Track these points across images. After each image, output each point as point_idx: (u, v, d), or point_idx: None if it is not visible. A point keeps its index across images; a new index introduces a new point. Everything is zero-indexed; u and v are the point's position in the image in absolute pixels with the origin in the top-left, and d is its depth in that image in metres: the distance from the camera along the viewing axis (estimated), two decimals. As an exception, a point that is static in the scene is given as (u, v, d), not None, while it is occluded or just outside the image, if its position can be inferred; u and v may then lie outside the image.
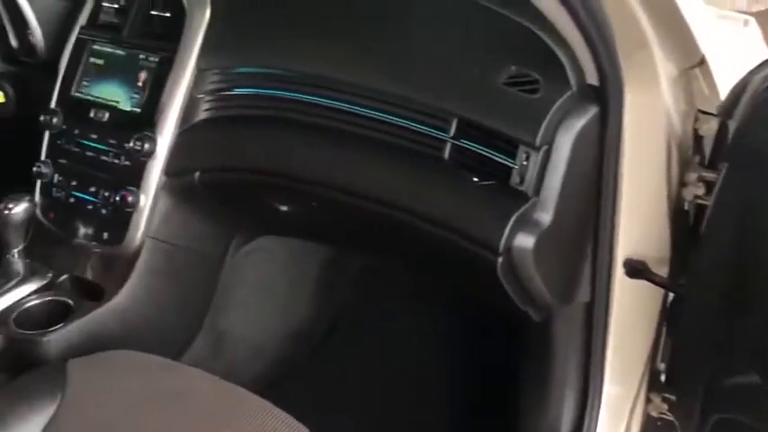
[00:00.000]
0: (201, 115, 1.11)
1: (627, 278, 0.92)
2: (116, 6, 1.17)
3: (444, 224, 0.91)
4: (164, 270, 1.16)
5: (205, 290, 1.26)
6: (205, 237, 1.22)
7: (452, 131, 0.92)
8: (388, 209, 0.96)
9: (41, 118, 1.16)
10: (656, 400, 1.05)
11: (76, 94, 1.16)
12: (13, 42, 1.29)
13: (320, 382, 1.44)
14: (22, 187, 1.19)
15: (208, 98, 1.11)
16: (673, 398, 1.03)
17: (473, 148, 0.90)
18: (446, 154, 0.92)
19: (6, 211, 1.07)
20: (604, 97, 0.83)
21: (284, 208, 1.14)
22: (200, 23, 1.10)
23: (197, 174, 1.09)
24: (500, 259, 0.86)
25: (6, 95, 1.26)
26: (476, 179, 0.90)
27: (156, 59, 1.11)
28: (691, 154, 0.96)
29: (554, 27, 0.83)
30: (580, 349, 0.97)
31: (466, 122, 0.91)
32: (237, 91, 1.10)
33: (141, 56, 1.12)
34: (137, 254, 1.12)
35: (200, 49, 1.10)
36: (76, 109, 1.15)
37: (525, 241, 0.85)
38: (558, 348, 1.00)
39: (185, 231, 1.17)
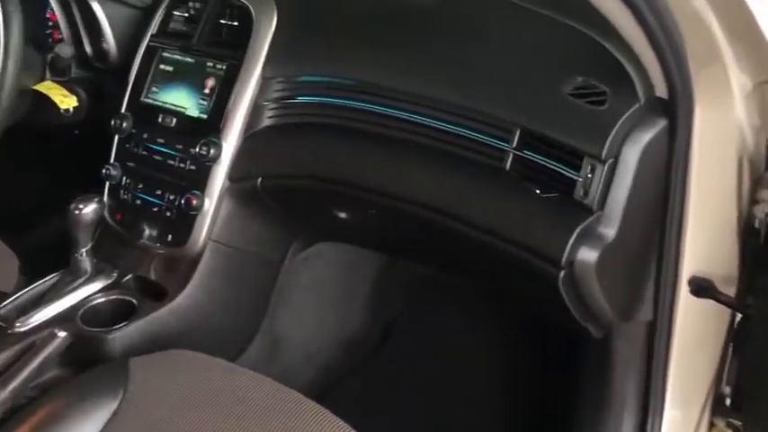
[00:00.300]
0: (265, 122, 1.13)
1: (692, 297, 0.89)
2: (186, 15, 1.20)
3: (504, 236, 0.90)
4: (224, 273, 1.18)
5: (263, 294, 1.28)
6: (265, 241, 1.23)
7: (514, 142, 0.91)
8: (448, 219, 0.96)
9: (112, 122, 1.20)
10: (721, 424, 1.01)
11: (146, 99, 1.20)
12: (88, 49, 1.34)
13: (372, 391, 1.44)
14: (90, 188, 1.23)
15: (272, 106, 1.13)
16: (738, 423, 1.00)
17: (536, 160, 0.90)
18: (507, 165, 0.92)
19: (77, 212, 1.10)
20: (673, 111, 0.81)
21: (343, 215, 1.15)
22: (267, 33, 1.13)
23: (259, 179, 1.11)
24: (562, 273, 0.84)
25: (80, 99, 1.30)
26: (538, 191, 0.89)
27: (224, 67, 1.13)
28: (763, 170, 0.93)
29: (622, 38, 0.81)
30: (641, 369, 0.94)
31: (529, 133, 0.90)
32: (300, 99, 1.12)
33: (209, 63, 1.15)
34: (199, 256, 1.15)
35: (266, 57, 1.12)
36: (145, 114, 1.19)
37: (588, 255, 0.83)
38: (618, 367, 0.98)
39: (246, 235, 1.20)
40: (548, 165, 0.88)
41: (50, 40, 1.40)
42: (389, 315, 1.52)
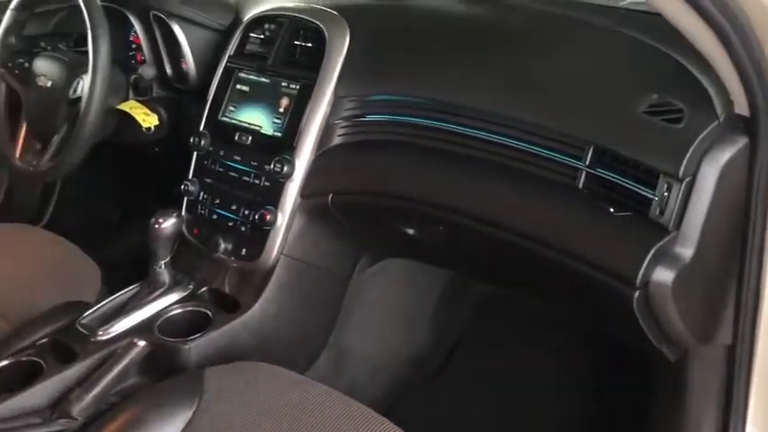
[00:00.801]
0: (336, 140, 1.15)
1: (774, 320, 0.86)
2: (262, 37, 1.25)
3: (577, 255, 0.89)
4: (295, 286, 1.21)
5: (331, 308, 1.30)
6: (334, 256, 1.26)
7: (587, 160, 0.90)
8: (518, 237, 0.96)
9: (191, 140, 1.25)
10: (805, 453, 0.97)
11: (223, 118, 1.24)
12: (168, 70, 1.41)
13: (437, 407, 1.44)
14: (168, 203, 1.28)
15: (343, 124, 1.15)
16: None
17: (609, 178, 0.89)
18: (580, 183, 0.91)
19: (157, 226, 1.14)
20: (755, 129, 0.79)
21: (411, 231, 1.16)
22: (340, 54, 1.15)
23: (330, 195, 1.14)
24: (636, 294, 0.83)
25: (160, 118, 1.36)
26: (612, 209, 0.88)
27: (297, 87, 1.17)
28: None
29: (700, 55, 0.80)
30: (719, 395, 0.91)
31: (602, 151, 0.89)
32: (371, 117, 1.14)
33: (283, 83, 1.18)
34: (271, 270, 1.18)
35: (338, 77, 1.15)
36: (222, 132, 1.23)
37: (664, 276, 0.82)
38: (695, 392, 0.95)
39: (316, 250, 1.22)
40: (622, 183, 0.87)
41: (133, 61, 1.47)
42: (456, 332, 1.52)
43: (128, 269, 1.29)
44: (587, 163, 0.90)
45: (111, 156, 1.56)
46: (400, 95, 1.11)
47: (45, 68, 1.31)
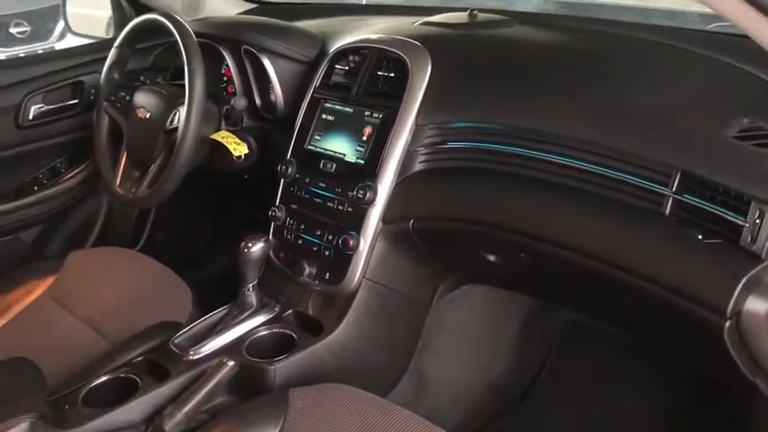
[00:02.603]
0: (417, 167, 1.18)
1: None
2: (346, 68, 1.29)
3: (664, 283, 0.87)
4: (377, 310, 1.23)
5: (412, 333, 1.31)
6: (415, 281, 1.27)
7: (674, 186, 0.89)
8: (602, 264, 0.95)
9: (278, 167, 1.30)
10: None
11: (309, 146, 1.29)
12: (258, 101, 1.47)
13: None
14: (255, 229, 1.33)
15: (424, 151, 1.17)
16: None
17: (697, 204, 0.87)
18: (667, 209, 0.90)
19: (246, 250, 1.19)
20: None
21: (492, 258, 1.16)
22: (422, 83, 1.18)
23: (411, 221, 1.16)
24: (728, 324, 0.80)
25: (250, 147, 1.42)
26: (700, 236, 0.86)
27: (380, 116, 1.20)
28: None
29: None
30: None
31: (689, 177, 0.87)
32: (452, 144, 1.16)
33: (366, 113, 1.22)
34: (354, 293, 1.20)
35: (419, 106, 1.17)
36: (308, 160, 1.28)
37: (757, 306, 0.79)
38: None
39: (397, 275, 1.24)
40: (710, 209, 0.85)
41: (225, 93, 1.55)
42: (539, 360, 1.49)
43: (217, 291, 1.34)
44: (674, 189, 0.89)
45: (202, 182, 1.64)
46: (482, 122, 1.13)
47: (144, 101, 1.40)
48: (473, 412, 1.43)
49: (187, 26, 1.32)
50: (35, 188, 1.67)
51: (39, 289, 1.42)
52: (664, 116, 0.93)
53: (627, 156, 0.94)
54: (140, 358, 1.18)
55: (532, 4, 1.89)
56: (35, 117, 1.62)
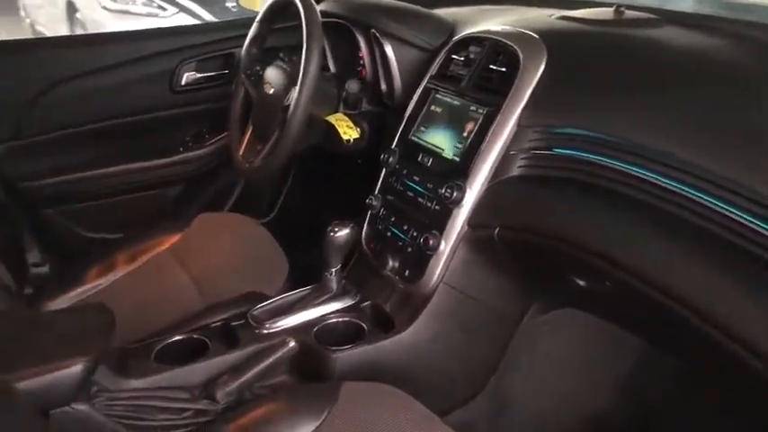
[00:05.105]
0: (514, 171, 1.08)
1: None
2: (463, 59, 1.22)
3: (755, 348, 0.72)
4: (453, 317, 1.16)
5: (494, 349, 1.22)
6: (501, 294, 1.17)
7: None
8: (693, 315, 0.80)
9: (381, 156, 1.27)
10: None
11: (413, 137, 1.24)
12: (383, 86, 1.44)
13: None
14: (358, 211, 1.31)
15: (523, 155, 1.07)
16: None
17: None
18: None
19: (332, 234, 1.18)
20: None
21: (581, 283, 1.04)
22: (531, 80, 1.08)
23: (497, 229, 1.07)
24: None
25: (362, 132, 1.40)
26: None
27: (484, 112, 1.12)
28: None
29: None
30: None
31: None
32: (556, 151, 1.05)
33: (472, 107, 1.14)
34: (430, 296, 1.14)
35: (525, 105, 1.08)
36: (409, 151, 1.23)
37: None
38: None
39: (480, 284, 1.15)
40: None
41: (359, 75, 1.54)
42: (646, 398, 1.32)
43: (312, 271, 1.34)
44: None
45: (326, 163, 1.65)
46: (592, 132, 1.00)
47: (271, 76, 1.43)
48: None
49: (314, 6, 1.32)
50: (180, 149, 1.79)
51: (164, 244, 1.52)
52: None
53: (739, 187, 0.79)
54: (219, 323, 1.22)
55: (687, 2, 1.66)
56: (187, 83, 1.73)
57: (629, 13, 1.23)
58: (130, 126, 1.73)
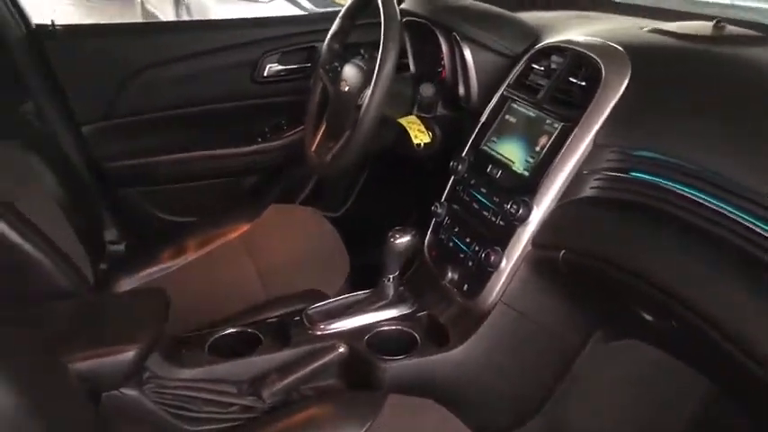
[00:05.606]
0: (585, 192, 1.02)
1: None
2: (542, 69, 1.16)
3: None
4: (510, 338, 1.11)
5: (552, 373, 1.16)
6: (561, 319, 1.12)
7: None
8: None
9: (451, 163, 1.23)
10: None
11: (484, 147, 1.19)
12: (461, 90, 1.40)
13: None
14: (424, 217, 1.28)
15: (597, 176, 1.01)
16: None
17: None
18: None
19: (393, 240, 1.16)
20: None
21: (648, 317, 0.97)
22: (612, 96, 1.02)
23: (563, 251, 1.01)
24: None
25: (434, 136, 1.36)
26: None
27: (558, 127, 1.06)
28: None
29: None
30: None
31: None
32: (634, 175, 0.98)
33: (547, 121, 1.09)
34: (487, 314, 1.10)
35: (604, 123, 1.01)
36: (479, 161, 1.19)
37: None
38: None
39: (540, 307, 1.10)
40: None
41: (439, 77, 1.50)
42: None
43: (372, 274, 1.32)
44: None
45: (397, 165, 1.63)
46: (676, 158, 0.93)
47: (348, 74, 1.41)
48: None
49: (394, 6, 1.29)
50: (258, 139, 1.81)
51: (235, 232, 1.54)
52: None
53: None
54: (274, 319, 1.22)
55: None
56: (269, 75, 1.75)
57: (731, 29, 1.13)
58: (211, 114, 1.76)
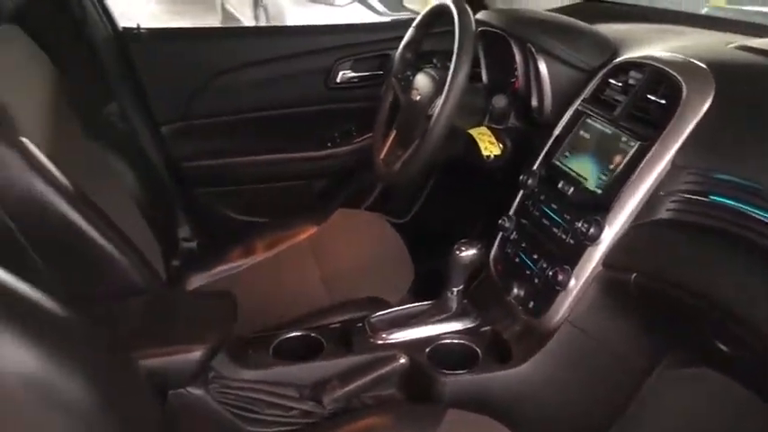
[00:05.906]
0: (661, 214, 0.99)
1: None
2: (620, 85, 1.13)
3: None
4: (575, 359, 1.09)
5: (618, 398, 1.13)
6: (629, 343, 1.08)
7: None
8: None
9: (521, 177, 1.21)
10: None
11: (556, 161, 1.17)
12: (534, 102, 1.37)
13: None
14: (487, 231, 1.27)
15: (673, 198, 0.98)
16: None
17: None
18: None
19: (458, 252, 1.15)
20: None
21: (723, 347, 0.93)
22: (693, 116, 0.98)
23: (634, 274, 0.98)
24: None
25: (504, 149, 1.34)
26: None
27: (635, 146, 1.03)
28: None
29: None
30: None
31: None
32: (712, 198, 0.94)
33: (623, 138, 1.06)
34: (552, 333, 1.08)
35: (683, 143, 0.98)
36: (551, 176, 1.17)
37: None
38: None
39: (608, 329, 1.07)
40: None
41: (512, 88, 1.48)
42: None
43: (436, 283, 1.32)
44: None
45: (466, 176, 1.62)
46: (756, 182, 0.89)
47: (420, 83, 1.41)
48: None
49: (469, 16, 1.28)
50: (328, 144, 1.83)
51: (302, 235, 1.57)
52: None
53: None
54: (337, 325, 1.23)
55: None
56: (342, 81, 1.77)
57: (825, 47, 1.08)
58: (284, 118, 1.80)
